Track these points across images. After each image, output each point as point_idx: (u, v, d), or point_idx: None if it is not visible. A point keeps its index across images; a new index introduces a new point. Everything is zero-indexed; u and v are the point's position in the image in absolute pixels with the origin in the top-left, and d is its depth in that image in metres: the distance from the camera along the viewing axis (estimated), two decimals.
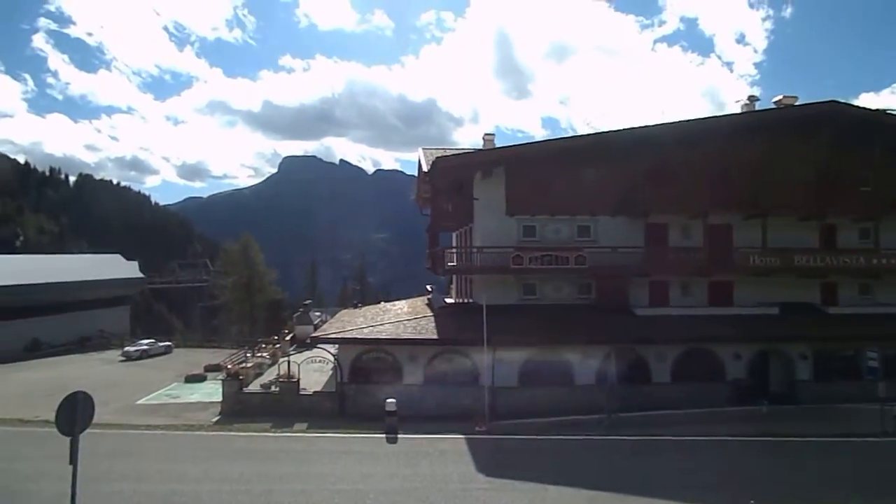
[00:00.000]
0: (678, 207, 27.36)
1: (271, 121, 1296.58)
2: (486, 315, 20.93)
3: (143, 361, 42.82)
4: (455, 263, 30.86)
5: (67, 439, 9.34)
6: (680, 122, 28.59)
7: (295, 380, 25.33)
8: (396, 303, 37.36)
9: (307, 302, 49.64)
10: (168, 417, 23.30)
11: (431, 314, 27.97)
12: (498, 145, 33.12)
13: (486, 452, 16.33)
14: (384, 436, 17.72)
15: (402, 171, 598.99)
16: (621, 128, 28.45)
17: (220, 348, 50.92)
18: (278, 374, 26.80)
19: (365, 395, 24.03)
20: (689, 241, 28.17)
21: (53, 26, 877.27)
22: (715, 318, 25.97)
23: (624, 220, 28.12)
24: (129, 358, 43.54)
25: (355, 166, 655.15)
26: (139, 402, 27.54)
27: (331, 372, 28.63)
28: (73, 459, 9.06)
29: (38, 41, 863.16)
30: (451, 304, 32.05)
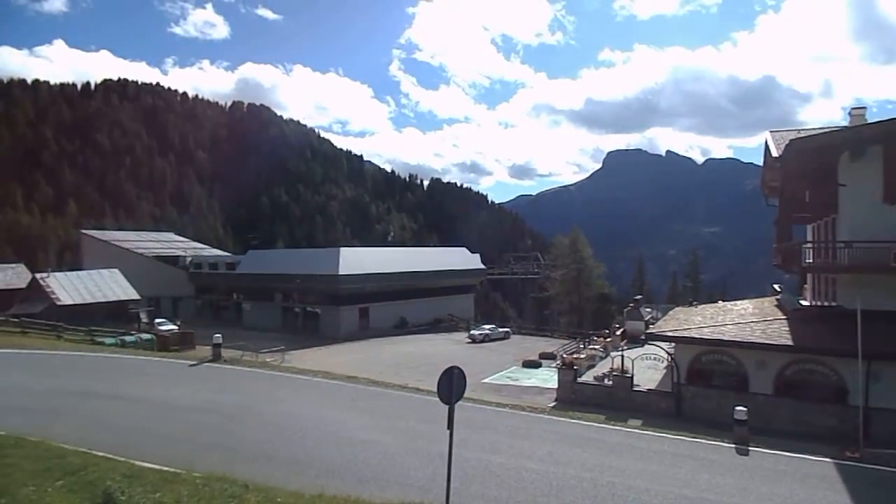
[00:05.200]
0: None
1: (594, 117, 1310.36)
2: (860, 321, 17.79)
3: (485, 344, 47.18)
4: (813, 260, 26.94)
5: (444, 407, 10.69)
6: None
7: (629, 375, 25.10)
8: (738, 302, 34.22)
9: (637, 297, 48.83)
10: (510, 397, 25.25)
11: (783, 317, 24.95)
12: (870, 121, 27.78)
13: (864, 485, 13.86)
14: (733, 446, 16.35)
15: (736, 159, 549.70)
16: None
17: (551, 337, 53.50)
18: (611, 368, 26.89)
19: (704, 398, 22.69)
20: None
21: (404, 55, 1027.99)
22: None
23: None
24: (473, 340, 48.45)
25: (683, 156, 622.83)
26: (484, 380, 30.44)
27: (665, 371, 27.68)
28: (450, 425, 10.32)
29: (394, 69, 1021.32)
30: (807, 306, 28.11)
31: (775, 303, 30.41)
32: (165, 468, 11.23)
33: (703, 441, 16.95)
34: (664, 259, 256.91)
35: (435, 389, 10.87)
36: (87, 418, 15.72)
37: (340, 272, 54.33)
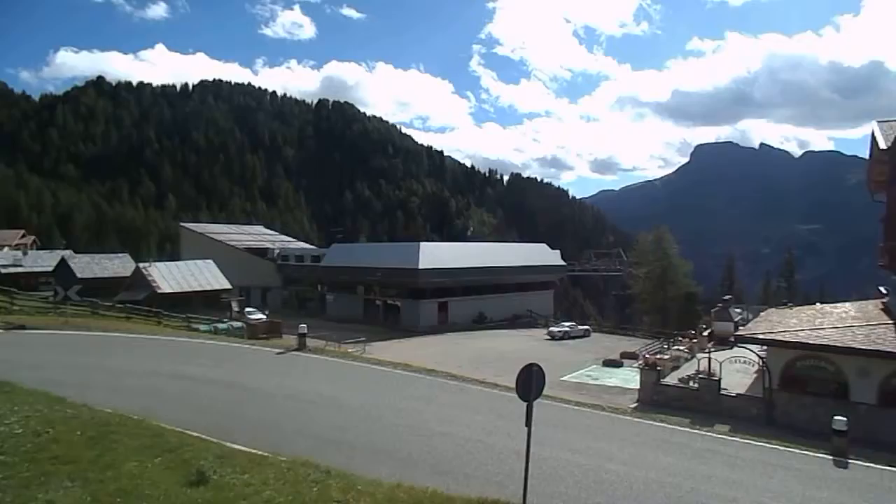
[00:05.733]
0: None
1: (681, 109, 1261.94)
2: None
3: (564, 342, 46.57)
4: None
5: (522, 404, 10.62)
6: None
7: (716, 378, 24.13)
8: (839, 305, 32.08)
9: (726, 297, 46.68)
10: (589, 397, 24.81)
11: (890, 322, 23.18)
12: None
13: None
14: (830, 458, 15.38)
15: (838, 152, 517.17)
16: None
17: (633, 336, 52.19)
18: (697, 370, 25.94)
19: (799, 406, 21.50)
20: None
21: (484, 50, 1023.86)
22: None
23: None
24: (552, 337, 47.96)
25: (778, 150, 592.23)
26: (563, 378, 30.06)
27: (755, 375, 26.43)
28: (529, 422, 10.25)
29: (474, 64, 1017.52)
30: None
31: (881, 306, 28.34)
32: (253, 451, 11.74)
33: (796, 451, 16.02)
34: (756, 258, 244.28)
35: (513, 385, 10.83)
36: (182, 400, 16.68)
37: (420, 266, 55.05)
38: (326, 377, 22.41)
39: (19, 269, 55.74)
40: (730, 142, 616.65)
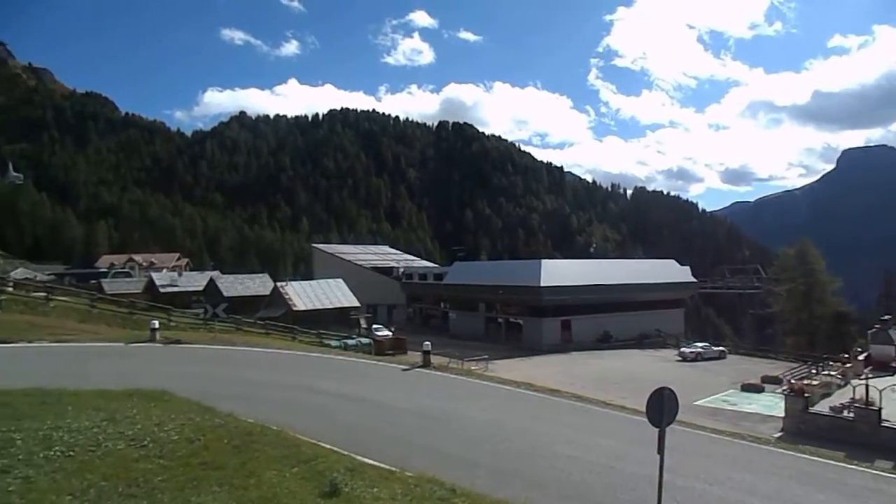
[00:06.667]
0: None
1: (823, 112, 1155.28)
2: None
3: (697, 363, 44.08)
4: None
5: (652, 429, 10.13)
6: None
7: (875, 408, 21.72)
8: None
9: (885, 317, 41.92)
10: (726, 423, 23.22)
11: None
12: None
13: None
14: None
15: None
16: None
17: (775, 360, 48.45)
18: (852, 398, 23.51)
19: None
20: None
21: (602, 63, 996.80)
22: None
23: None
24: (684, 359, 45.57)
25: None
26: (696, 403, 28.42)
27: None
28: (661, 449, 9.75)
29: (592, 78, 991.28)
30: None
31: None
32: (382, 465, 12.05)
33: None
34: None
35: (641, 409, 10.39)
36: (315, 412, 17.49)
37: (542, 284, 54.47)
38: (450, 394, 22.64)
39: (175, 289, 61.39)
40: (883, 145, 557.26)
